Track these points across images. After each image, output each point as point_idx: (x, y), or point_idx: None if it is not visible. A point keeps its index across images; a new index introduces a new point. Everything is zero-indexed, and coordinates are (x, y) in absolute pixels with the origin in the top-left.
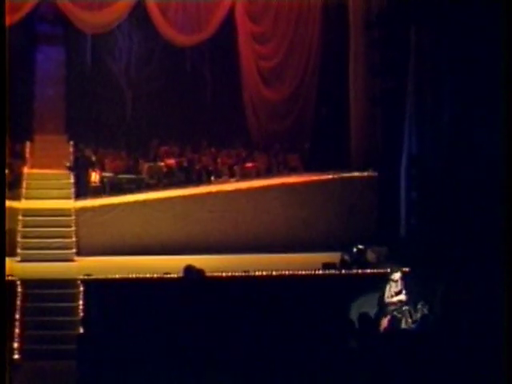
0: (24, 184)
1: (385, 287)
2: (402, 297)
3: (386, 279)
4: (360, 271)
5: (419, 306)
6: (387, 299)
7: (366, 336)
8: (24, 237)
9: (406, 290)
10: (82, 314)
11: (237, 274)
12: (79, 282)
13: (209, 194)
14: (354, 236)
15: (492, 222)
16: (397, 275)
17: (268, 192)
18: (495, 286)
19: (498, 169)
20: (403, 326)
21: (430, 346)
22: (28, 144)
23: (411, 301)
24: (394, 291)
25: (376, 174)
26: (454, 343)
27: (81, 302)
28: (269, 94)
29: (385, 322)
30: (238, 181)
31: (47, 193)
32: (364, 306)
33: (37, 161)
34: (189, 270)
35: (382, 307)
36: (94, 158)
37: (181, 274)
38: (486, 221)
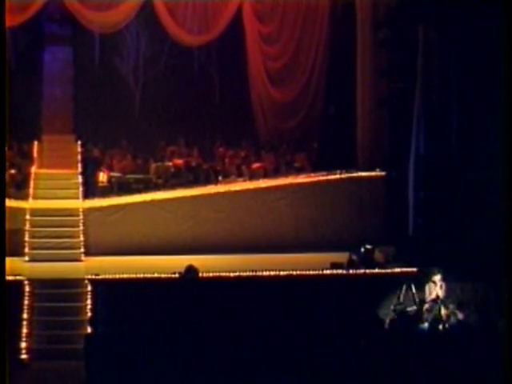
0: (32, 184)
1: (425, 287)
2: (439, 292)
3: (426, 280)
4: (367, 271)
5: (436, 308)
6: (428, 298)
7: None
8: (32, 237)
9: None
10: (89, 314)
11: (244, 273)
12: (87, 281)
13: (216, 194)
14: (361, 236)
15: (499, 222)
16: (437, 277)
17: (275, 192)
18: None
19: (505, 168)
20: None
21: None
22: (36, 144)
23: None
24: (434, 290)
25: (383, 173)
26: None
27: (88, 302)
28: (276, 94)
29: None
30: (245, 181)
31: (55, 193)
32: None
33: (45, 161)
34: (187, 269)
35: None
36: (101, 158)
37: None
38: (493, 220)
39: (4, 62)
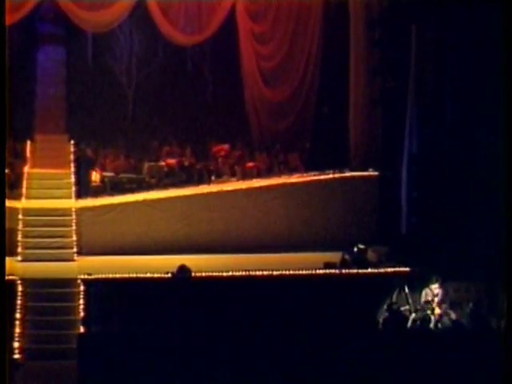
0: (25, 183)
1: (421, 291)
2: (435, 299)
3: (423, 284)
4: (361, 271)
5: (429, 307)
6: (422, 300)
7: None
8: (25, 236)
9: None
10: (82, 314)
11: (237, 273)
12: (79, 281)
13: (209, 193)
14: (354, 235)
15: (492, 221)
16: (434, 286)
17: (269, 192)
18: (496, 283)
19: (498, 167)
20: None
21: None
22: (29, 143)
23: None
24: (430, 297)
25: (377, 173)
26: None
27: (81, 302)
28: (269, 93)
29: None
30: (238, 180)
31: (48, 192)
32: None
33: (37, 160)
34: (180, 269)
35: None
36: (94, 158)
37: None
38: (486, 219)
39: (4, 62)
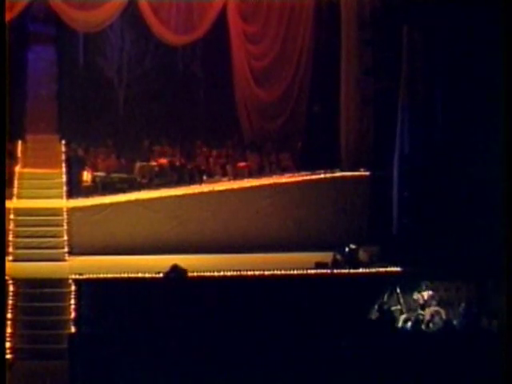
0: (16, 183)
1: (413, 293)
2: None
3: (414, 288)
4: (352, 271)
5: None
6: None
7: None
8: (16, 236)
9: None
10: (73, 314)
11: (229, 273)
12: (71, 281)
13: (201, 193)
14: (346, 235)
15: (484, 221)
16: (425, 293)
17: (260, 191)
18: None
19: (490, 167)
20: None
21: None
22: (20, 143)
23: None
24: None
25: (368, 173)
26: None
27: (72, 302)
28: (261, 93)
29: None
30: (230, 180)
31: (39, 192)
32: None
33: (29, 160)
34: (173, 269)
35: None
36: (85, 157)
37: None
38: (477, 219)
39: (4, 61)
